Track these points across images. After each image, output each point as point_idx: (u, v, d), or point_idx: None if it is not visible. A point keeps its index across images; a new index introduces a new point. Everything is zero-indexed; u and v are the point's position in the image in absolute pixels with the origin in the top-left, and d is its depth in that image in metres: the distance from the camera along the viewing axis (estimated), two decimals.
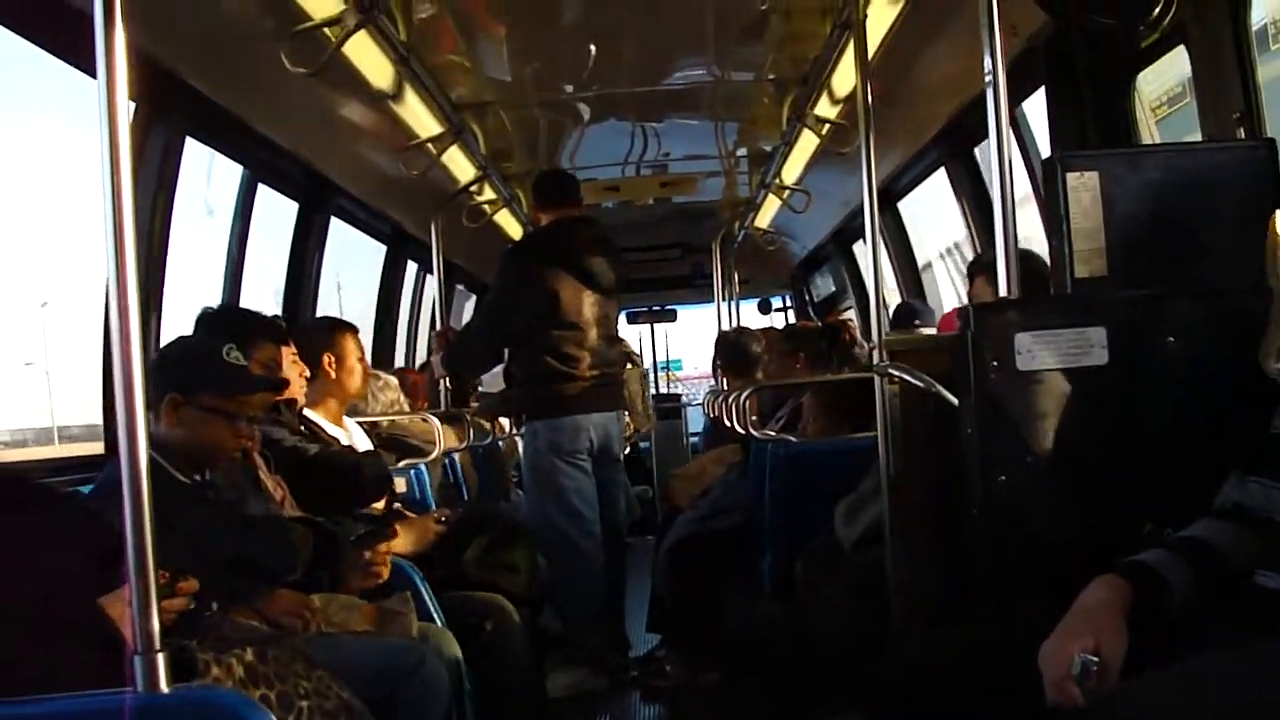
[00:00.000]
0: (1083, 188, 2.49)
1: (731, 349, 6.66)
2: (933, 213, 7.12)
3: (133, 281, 1.71)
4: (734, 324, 8.51)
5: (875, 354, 3.19)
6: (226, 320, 3.65)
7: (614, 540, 5.60)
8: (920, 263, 7.53)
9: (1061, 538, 2.34)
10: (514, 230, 7.72)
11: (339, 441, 4.13)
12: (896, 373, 2.94)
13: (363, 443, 4.39)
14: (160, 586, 1.81)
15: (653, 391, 11.10)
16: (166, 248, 3.97)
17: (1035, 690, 1.92)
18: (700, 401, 9.39)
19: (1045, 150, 4.50)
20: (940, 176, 6.09)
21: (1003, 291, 2.46)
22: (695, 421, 10.22)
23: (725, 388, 6.37)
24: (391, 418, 5.43)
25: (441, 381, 5.81)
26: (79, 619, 2.04)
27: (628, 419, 5.98)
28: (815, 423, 4.83)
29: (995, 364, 2.34)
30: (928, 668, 2.16)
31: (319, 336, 4.27)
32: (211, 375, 2.92)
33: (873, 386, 3.19)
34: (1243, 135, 3.19)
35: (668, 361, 13.45)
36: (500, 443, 6.68)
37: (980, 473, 2.36)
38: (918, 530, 2.98)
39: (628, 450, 6.28)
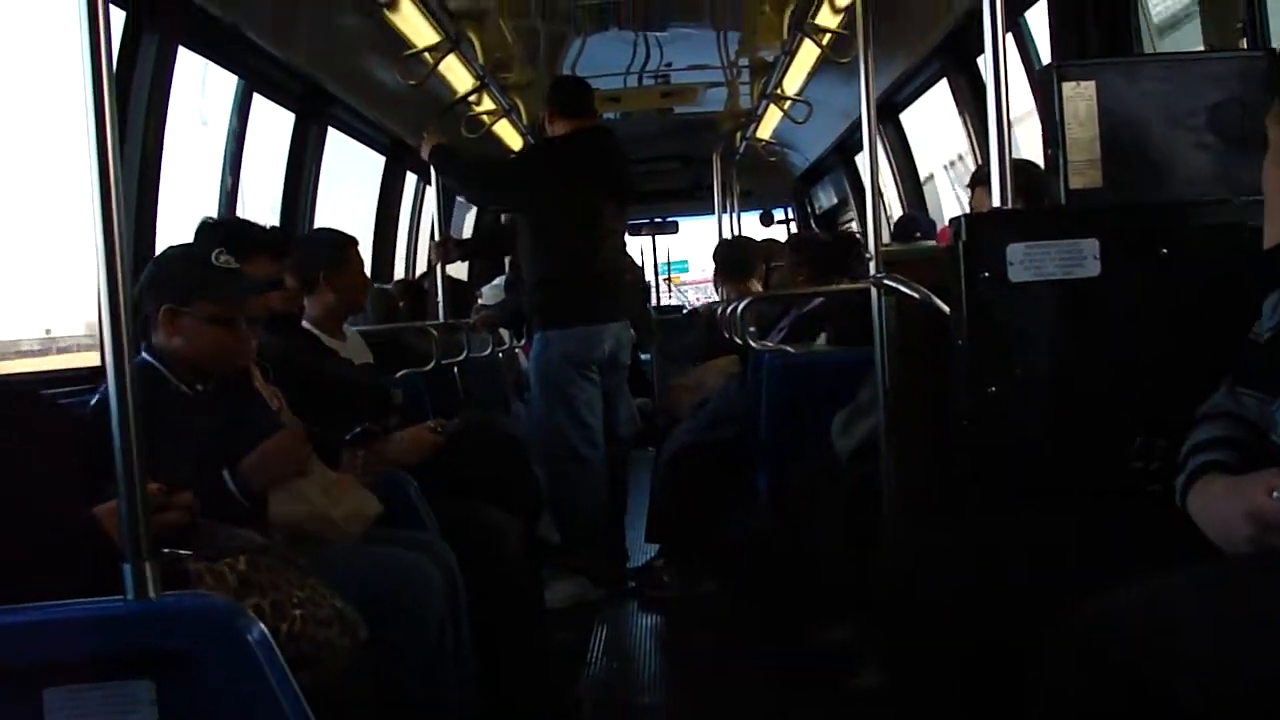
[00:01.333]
0: (1079, 97, 2.47)
1: (728, 252, 6.65)
2: (937, 127, 7.09)
3: (116, 188, 1.70)
4: (735, 235, 8.47)
5: (873, 265, 3.17)
6: (224, 232, 3.61)
7: (616, 450, 5.63)
8: (924, 176, 7.52)
9: (1050, 449, 2.35)
10: (513, 141, 7.68)
11: (338, 353, 4.12)
12: (892, 284, 2.93)
13: (362, 354, 4.39)
14: (153, 498, 1.82)
15: (654, 303, 11.11)
16: (160, 160, 3.95)
17: (1029, 593, 1.93)
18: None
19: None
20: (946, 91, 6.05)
21: (996, 202, 2.44)
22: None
23: (725, 298, 6.36)
24: (391, 328, 5.44)
25: (440, 294, 5.79)
26: (75, 530, 2.05)
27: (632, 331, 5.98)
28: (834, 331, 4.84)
29: (986, 275, 2.33)
30: (922, 573, 2.17)
31: (319, 249, 4.24)
32: (202, 282, 2.87)
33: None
34: (1244, 46, 3.16)
35: (670, 263, 13.37)
36: (500, 354, 6.67)
37: (970, 384, 2.35)
38: (913, 442, 2.99)
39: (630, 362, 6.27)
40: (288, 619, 2.18)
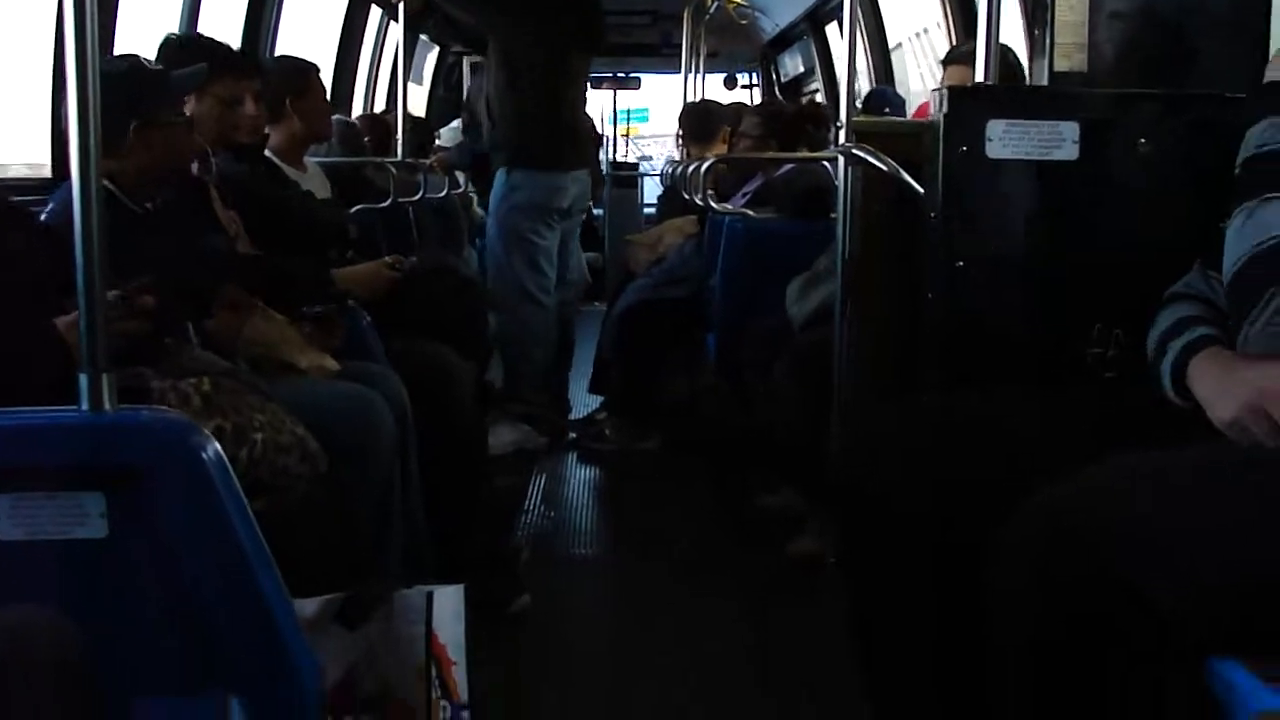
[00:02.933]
0: None
1: (694, 115, 6.60)
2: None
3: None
4: (700, 97, 8.39)
5: (841, 135, 3.15)
6: (189, 49, 3.51)
7: (563, 297, 5.65)
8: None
9: (1014, 326, 2.36)
10: None
11: (299, 184, 4.07)
12: (860, 154, 2.91)
13: (321, 187, 4.34)
14: (115, 304, 1.80)
15: (611, 158, 11.04)
16: None
17: (985, 471, 1.93)
18: (658, 172, 9.33)
19: None
20: None
21: (979, 78, 2.42)
22: (651, 192, 10.17)
23: (686, 159, 6.31)
24: (349, 161, 5.37)
25: (401, 131, 5.72)
26: (37, 340, 2.03)
27: None
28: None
29: (964, 149, 2.32)
30: (877, 445, 2.17)
31: (282, 76, 4.16)
32: (137, 90, 2.76)
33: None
34: None
35: (629, 111, 13.20)
36: (454, 196, 6.61)
37: (940, 258, 2.36)
38: (869, 312, 2.99)
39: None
40: (248, 443, 2.18)
